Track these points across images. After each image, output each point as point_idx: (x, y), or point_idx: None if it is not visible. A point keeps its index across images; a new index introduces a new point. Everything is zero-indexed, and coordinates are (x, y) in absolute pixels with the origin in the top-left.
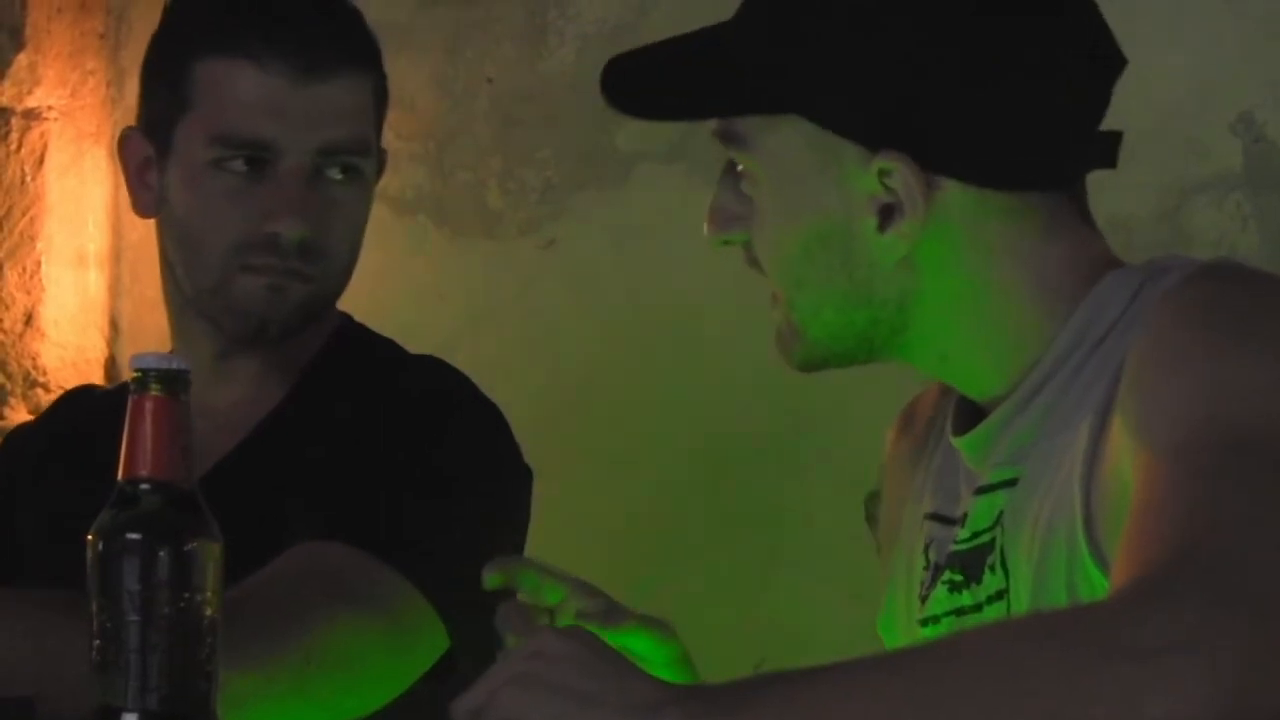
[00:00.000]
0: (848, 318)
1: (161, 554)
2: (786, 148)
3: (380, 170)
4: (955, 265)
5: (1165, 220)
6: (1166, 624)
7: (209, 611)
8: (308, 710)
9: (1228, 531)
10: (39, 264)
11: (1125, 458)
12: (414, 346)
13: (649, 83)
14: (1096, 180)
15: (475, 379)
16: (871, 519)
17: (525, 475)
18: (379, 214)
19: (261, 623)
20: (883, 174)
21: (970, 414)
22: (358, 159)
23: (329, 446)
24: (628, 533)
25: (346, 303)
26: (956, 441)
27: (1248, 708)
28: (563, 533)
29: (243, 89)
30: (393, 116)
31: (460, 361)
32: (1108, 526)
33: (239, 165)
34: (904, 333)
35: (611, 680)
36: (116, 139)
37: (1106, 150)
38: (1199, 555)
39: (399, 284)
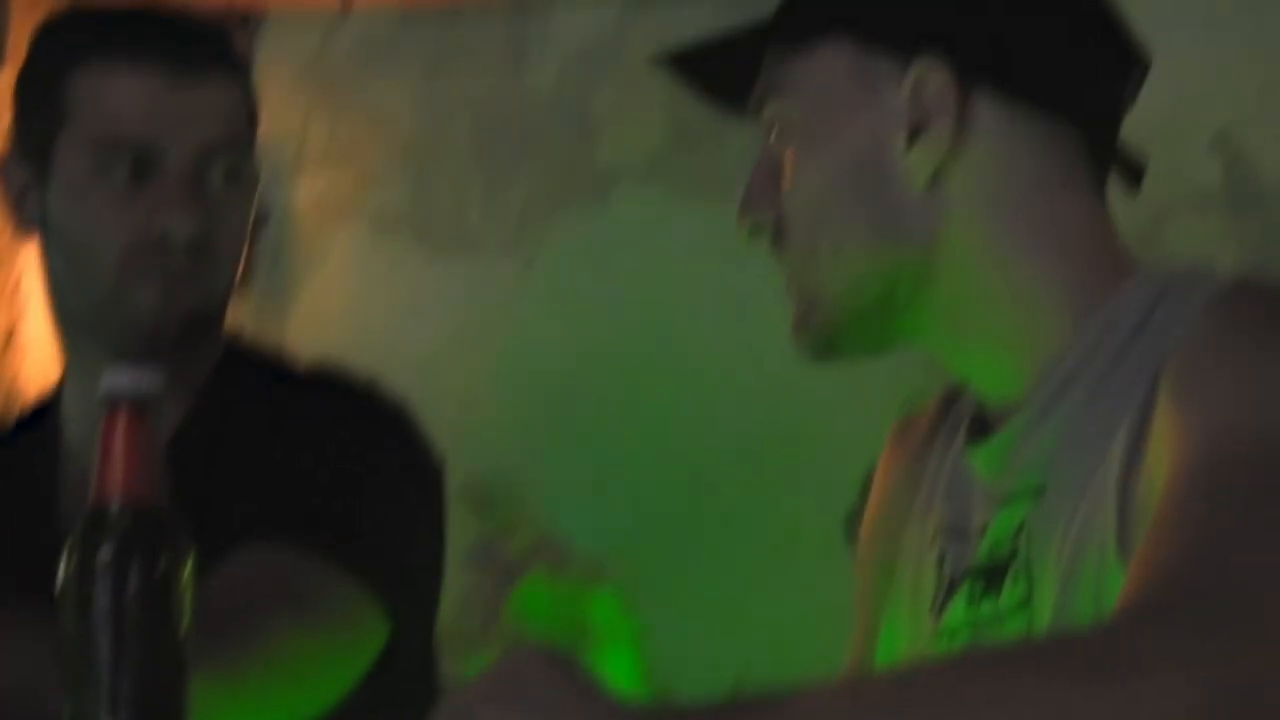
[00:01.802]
0: (874, 259)
1: (133, 573)
2: (825, 74)
3: (257, 184)
4: (981, 198)
5: (1144, 239)
6: (1149, 645)
7: (180, 629)
8: (268, 715)
9: (1226, 553)
10: (19, 282)
11: (1159, 476)
12: (394, 365)
13: (710, 46)
14: None
15: (456, 397)
16: (854, 539)
17: (438, 468)
18: (359, 233)
19: (219, 633)
20: (916, 87)
21: (983, 425)
22: (238, 161)
23: (242, 461)
24: (608, 549)
25: (326, 320)
26: (973, 452)
27: None
28: None
29: (120, 93)
30: (373, 135)
31: (441, 380)
32: (1141, 536)
33: (121, 170)
34: (926, 288)
35: (586, 699)
36: None
37: (1130, 164)
38: (1193, 577)
39: (378, 303)
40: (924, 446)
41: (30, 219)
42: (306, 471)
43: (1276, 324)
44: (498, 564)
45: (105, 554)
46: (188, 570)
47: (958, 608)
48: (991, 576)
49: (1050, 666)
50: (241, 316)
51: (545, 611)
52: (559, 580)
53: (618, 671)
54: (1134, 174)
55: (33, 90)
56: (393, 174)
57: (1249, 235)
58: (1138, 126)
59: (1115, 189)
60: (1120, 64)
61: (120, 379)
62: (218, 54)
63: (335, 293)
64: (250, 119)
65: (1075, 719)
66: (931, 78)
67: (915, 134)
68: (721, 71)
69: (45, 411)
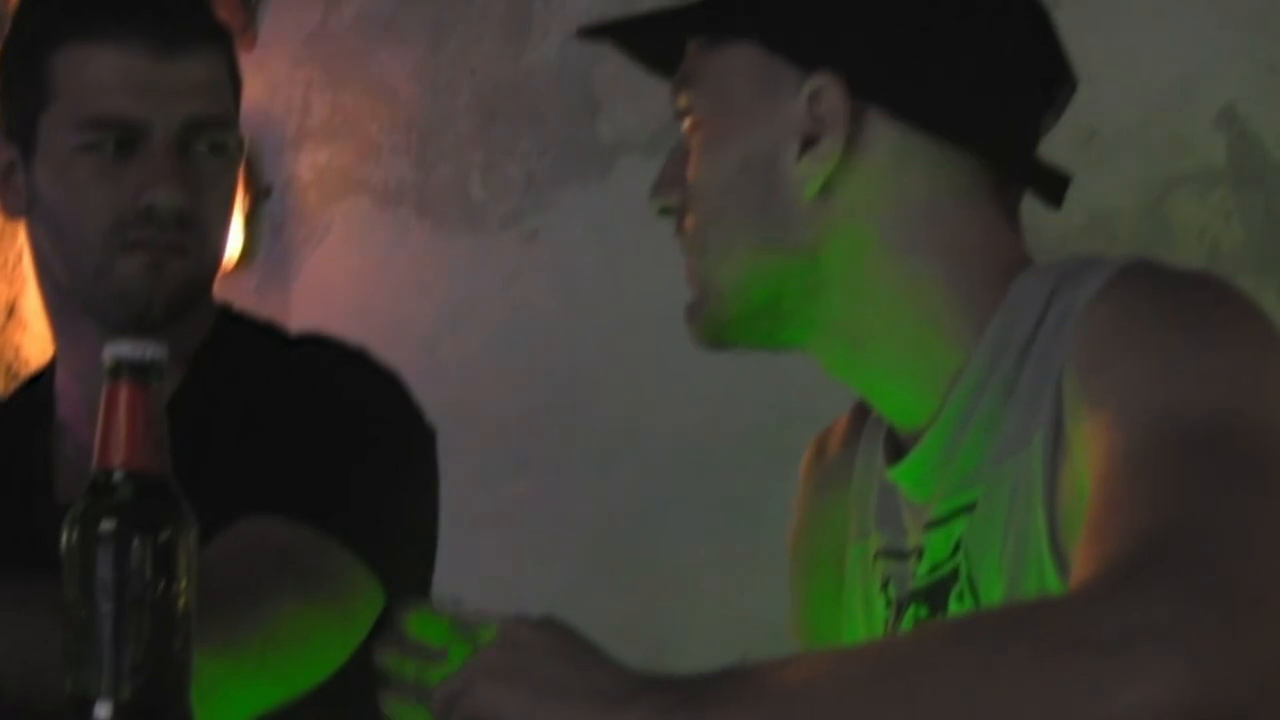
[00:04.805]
0: (760, 260)
1: (135, 543)
2: (730, 74)
3: (242, 155)
4: (871, 212)
5: (1148, 214)
6: (1138, 613)
7: (183, 601)
8: (268, 687)
9: (1191, 522)
10: (20, 255)
11: (1084, 467)
12: (396, 339)
13: (622, 19)
14: (1081, 174)
15: (458, 372)
16: None
17: (429, 434)
18: (361, 206)
19: (220, 606)
20: (812, 99)
21: (898, 444)
22: (222, 134)
23: (234, 430)
24: (609, 526)
25: (328, 294)
26: (892, 474)
27: (1220, 695)
28: (544, 526)
29: (103, 70)
30: (375, 108)
31: (443, 354)
32: (1071, 538)
33: (107, 147)
34: (815, 297)
35: (585, 670)
36: None
37: (1049, 181)
38: (1165, 545)
39: (381, 277)
40: (843, 459)
41: (17, 198)
42: (299, 439)
43: (1168, 302)
44: None
45: (107, 525)
46: (191, 541)
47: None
48: (935, 597)
49: (1033, 638)
50: (245, 290)
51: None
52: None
53: None
54: (1055, 191)
55: (16, 68)
56: (395, 147)
57: (1252, 211)
58: (1143, 103)
59: (1035, 206)
60: (1037, 91)
61: (122, 348)
62: (200, 27)
63: (338, 266)
64: (235, 91)
65: (1055, 692)
66: (826, 92)
67: (807, 145)
68: (650, 45)
69: (40, 387)
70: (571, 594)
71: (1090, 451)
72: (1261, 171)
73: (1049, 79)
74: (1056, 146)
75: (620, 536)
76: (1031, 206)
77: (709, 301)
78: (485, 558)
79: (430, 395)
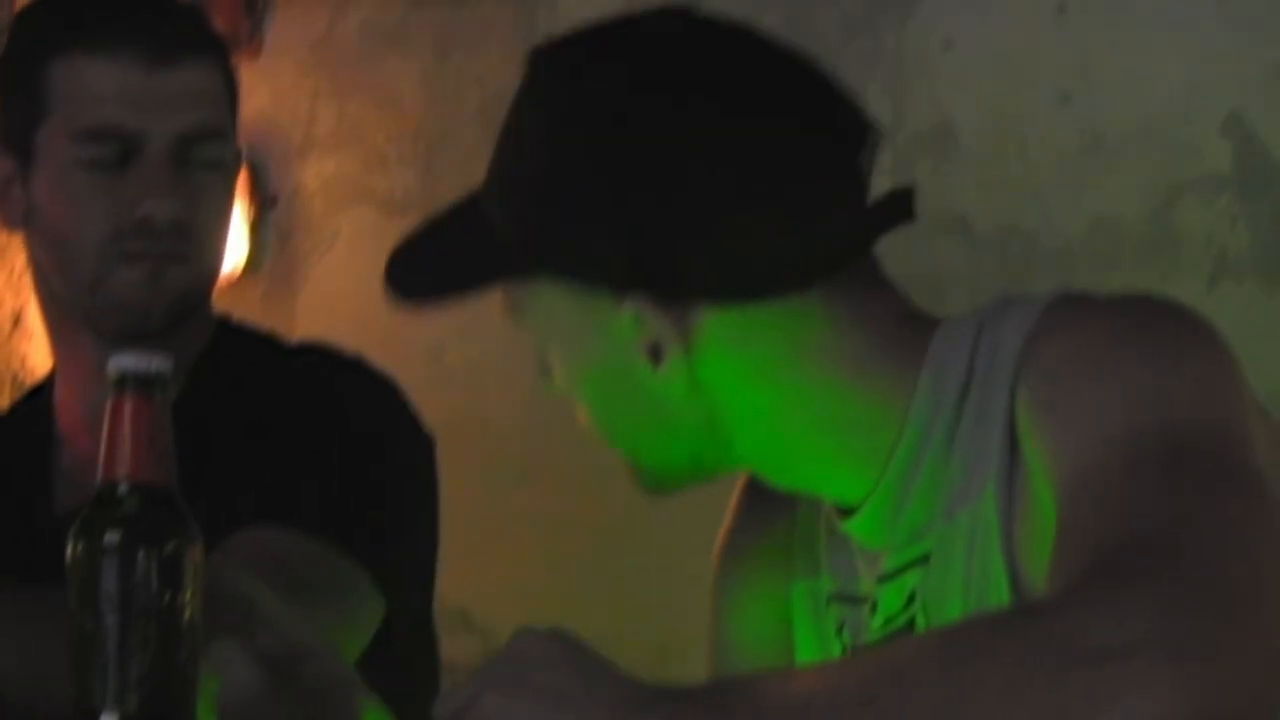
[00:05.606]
0: (666, 450)
1: (141, 555)
2: (550, 307)
3: (238, 166)
4: (744, 381)
5: (1154, 221)
6: (1128, 623)
7: (188, 613)
8: None
9: (1169, 529)
10: (26, 266)
11: (1046, 506)
12: (402, 347)
13: (419, 271)
14: (1087, 180)
15: (464, 380)
16: None
17: (429, 442)
18: (367, 216)
19: (218, 617)
20: (635, 320)
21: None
22: (218, 146)
23: (234, 440)
24: (613, 536)
25: (332, 303)
26: (846, 526)
27: (1215, 703)
28: (549, 535)
29: (98, 82)
30: (381, 118)
31: (449, 362)
32: (1038, 580)
33: (104, 159)
34: (731, 450)
35: (592, 681)
36: None
37: (899, 209)
38: (1144, 555)
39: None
40: (787, 498)
41: (15, 209)
42: (299, 449)
43: (1114, 326)
44: None
45: (113, 537)
46: (196, 553)
47: None
48: None
49: (1023, 649)
50: (251, 299)
51: None
52: None
53: None
54: (905, 209)
55: (13, 80)
56: (402, 157)
57: (1258, 217)
58: (1149, 109)
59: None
60: (847, 170)
61: (126, 360)
62: (195, 38)
63: (344, 275)
64: (231, 102)
65: (1050, 702)
66: (644, 313)
67: (653, 356)
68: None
69: (42, 398)
70: (576, 602)
71: (1055, 480)
72: (1267, 177)
73: (850, 142)
74: (1062, 153)
75: (625, 544)
76: (1031, 210)
77: (640, 476)
78: (490, 566)
79: (436, 403)
